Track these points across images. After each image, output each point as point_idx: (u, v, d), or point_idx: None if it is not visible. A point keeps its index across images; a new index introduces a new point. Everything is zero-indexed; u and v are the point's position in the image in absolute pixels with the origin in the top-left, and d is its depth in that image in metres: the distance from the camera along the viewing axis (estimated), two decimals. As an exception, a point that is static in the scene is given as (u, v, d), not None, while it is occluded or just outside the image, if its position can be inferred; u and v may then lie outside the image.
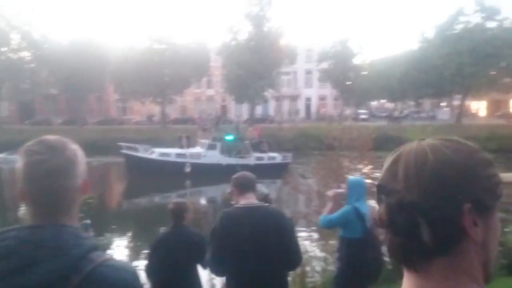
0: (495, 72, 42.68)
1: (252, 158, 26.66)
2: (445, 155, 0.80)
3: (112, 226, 14.63)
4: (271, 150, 28.92)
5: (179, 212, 4.36)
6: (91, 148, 36.66)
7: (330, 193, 4.86)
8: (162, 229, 4.73)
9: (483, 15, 42.33)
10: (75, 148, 1.32)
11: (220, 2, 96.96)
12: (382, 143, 22.60)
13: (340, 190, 4.86)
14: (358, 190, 4.64)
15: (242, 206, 3.36)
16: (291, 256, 3.40)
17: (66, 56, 42.31)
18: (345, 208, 4.59)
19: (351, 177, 5.08)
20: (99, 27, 61.89)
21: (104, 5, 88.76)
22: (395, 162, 0.83)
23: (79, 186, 1.29)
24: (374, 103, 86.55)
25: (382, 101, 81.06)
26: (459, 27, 43.59)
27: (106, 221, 14.91)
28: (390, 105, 79.75)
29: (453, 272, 0.78)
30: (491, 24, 42.50)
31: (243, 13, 43.53)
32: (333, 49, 48.31)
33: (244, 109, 54.17)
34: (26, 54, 45.61)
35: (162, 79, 43.32)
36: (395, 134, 32.62)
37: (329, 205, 4.70)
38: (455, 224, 0.76)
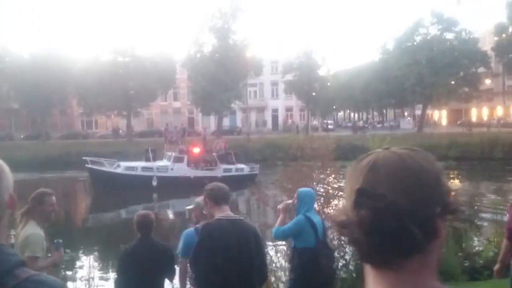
0: (453, 82, 44.30)
1: (219, 170, 26.62)
2: (417, 162, 0.88)
3: (77, 242, 14.34)
4: (239, 162, 29.00)
5: (145, 224, 4.31)
6: (55, 163, 36.04)
7: (280, 206, 4.90)
8: (129, 243, 4.69)
9: (440, 26, 43.96)
10: (0, 163, 1.32)
11: (185, 14, 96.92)
12: (347, 152, 23.07)
13: (289, 201, 4.97)
14: (308, 201, 4.76)
15: (225, 218, 3.30)
16: (264, 268, 3.47)
17: (27, 69, 41.38)
18: (297, 218, 4.67)
19: (301, 188, 5.20)
20: (61, 40, 60.90)
21: (66, 17, 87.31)
22: (372, 168, 0.88)
23: (5, 201, 1.28)
24: (340, 114, 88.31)
25: (348, 111, 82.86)
26: (418, 38, 45.09)
27: (70, 237, 14.59)
28: (356, 115, 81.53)
29: (424, 268, 0.87)
30: (449, 36, 44.17)
31: (207, 26, 43.74)
32: (297, 60, 49.05)
33: (212, 121, 54.17)
34: (-15, 68, 44.39)
35: (127, 91, 42.90)
36: (359, 144, 33.32)
37: (281, 217, 4.74)
38: (432, 225, 0.84)
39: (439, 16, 43.62)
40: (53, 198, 3.99)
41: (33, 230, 3.85)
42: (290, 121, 60.92)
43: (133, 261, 4.22)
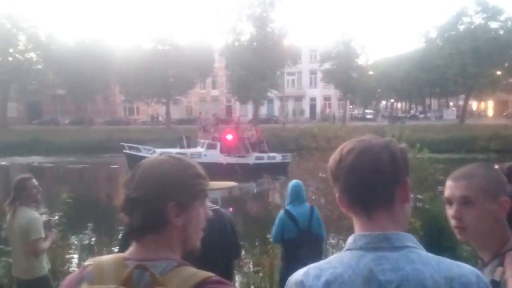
0: (499, 72, 42.61)
1: (251, 158, 26.99)
2: (164, 168, 1.20)
3: (101, 227, 14.19)
4: (273, 150, 29.24)
5: None
6: (97, 148, 37.46)
7: None
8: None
9: (485, 15, 42.28)
10: None
11: (223, 2, 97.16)
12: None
13: None
14: (291, 193, 5.02)
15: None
16: (237, 247, 3.78)
17: (72, 57, 42.87)
18: (278, 215, 4.99)
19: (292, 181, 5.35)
20: (104, 28, 62.43)
21: (108, 6, 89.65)
22: (136, 169, 1.22)
23: None
24: (383, 103, 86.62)
25: (391, 101, 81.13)
26: (461, 27, 43.58)
27: (94, 221, 14.58)
28: (401, 104, 79.68)
29: (157, 244, 1.16)
30: (494, 25, 42.44)
31: (245, 14, 43.86)
32: (335, 49, 48.42)
33: (249, 109, 54.51)
34: (32, 55, 46.40)
35: (166, 80, 43.78)
36: (395, 134, 32.69)
37: None
38: (162, 214, 1.15)
39: (483, 4, 41.92)
40: (34, 180, 4.19)
41: (31, 214, 4.10)
42: (328, 110, 60.38)
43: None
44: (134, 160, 26.79)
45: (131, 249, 1.19)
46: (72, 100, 50.67)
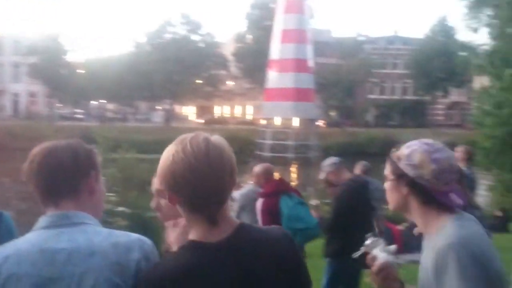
0: (201, 81, 47.81)
1: None
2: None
3: None
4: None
5: None
6: None
7: None
8: None
9: (188, 28, 46.90)
10: None
11: None
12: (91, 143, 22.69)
13: None
14: None
15: None
16: None
17: None
18: None
19: None
20: None
21: None
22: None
23: None
24: (96, 103, 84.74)
25: (103, 101, 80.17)
26: (168, 36, 47.09)
27: None
28: (112, 106, 79.50)
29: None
30: (195, 37, 47.44)
31: None
32: (43, 43, 45.28)
33: None
34: None
35: None
36: (108, 135, 32.93)
37: None
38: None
39: (186, 17, 46.39)
40: None
41: None
42: (34, 107, 55.88)
43: None
44: None
45: None
46: None
